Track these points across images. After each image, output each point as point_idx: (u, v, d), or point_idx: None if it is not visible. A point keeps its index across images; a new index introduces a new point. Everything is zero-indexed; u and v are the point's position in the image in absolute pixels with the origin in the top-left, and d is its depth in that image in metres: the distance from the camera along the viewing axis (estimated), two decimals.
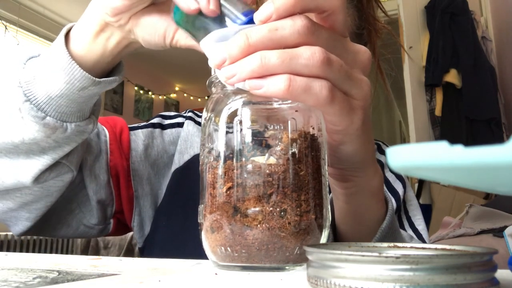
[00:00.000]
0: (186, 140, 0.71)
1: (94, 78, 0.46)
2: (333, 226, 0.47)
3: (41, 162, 0.50)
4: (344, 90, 0.33)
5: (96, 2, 0.45)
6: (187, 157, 0.69)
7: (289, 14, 0.32)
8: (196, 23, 0.39)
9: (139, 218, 0.68)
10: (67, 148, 0.51)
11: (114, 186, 0.64)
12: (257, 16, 0.32)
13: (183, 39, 0.45)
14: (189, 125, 0.73)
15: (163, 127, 0.72)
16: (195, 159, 0.68)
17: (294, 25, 0.31)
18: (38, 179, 0.51)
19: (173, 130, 0.72)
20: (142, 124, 0.71)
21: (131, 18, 0.44)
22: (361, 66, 0.36)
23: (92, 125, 0.52)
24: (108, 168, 0.64)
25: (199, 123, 0.74)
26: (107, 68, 0.50)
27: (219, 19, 0.37)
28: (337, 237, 0.46)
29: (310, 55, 0.30)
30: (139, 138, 0.68)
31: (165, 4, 0.44)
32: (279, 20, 0.31)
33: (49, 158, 0.50)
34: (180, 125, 0.73)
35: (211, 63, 0.33)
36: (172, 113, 0.77)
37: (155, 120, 0.73)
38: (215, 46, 0.34)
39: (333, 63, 0.31)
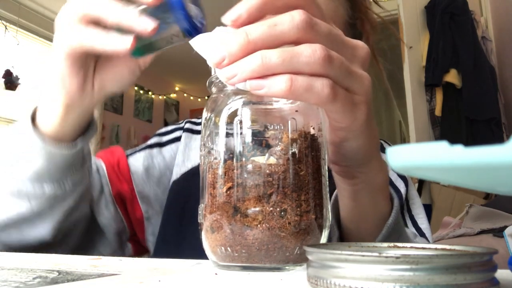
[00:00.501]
0: (183, 153, 0.72)
1: (72, 145, 0.49)
2: (339, 224, 0.47)
3: (54, 218, 0.53)
4: (346, 87, 0.32)
5: (53, 88, 0.46)
6: (184, 169, 0.70)
7: (261, 13, 0.32)
8: (150, 44, 0.41)
9: (153, 238, 0.69)
10: (71, 200, 0.53)
11: (122, 212, 0.66)
12: (227, 17, 0.32)
13: (147, 59, 0.46)
14: (186, 138, 0.74)
15: (161, 145, 0.73)
16: (192, 171, 0.69)
17: (293, 20, 0.31)
18: (57, 231, 0.54)
19: (173, 145, 0.73)
20: (139, 147, 0.73)
21: (94, 83, 0.46)
22: (360, 61, 0.35)
23: (87, 178, 0.55)
24: (113, 199, 0.65)
25: (197, 132, 0.75)
26: (86, 125, 0.51)
27: (164, 22, 0.38)
28: (343, 236, 0.46)
29: (311, 53, 0.30)
30: (137, 161, 0.69)
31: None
32: (278, 16, 0.31)
33: (59, 213, 0.53)
34: (178, 139, 0.74)
35: (210, 61, 0.32)
36: (170, 128, 0.77)
37: (152, 141, 0.74)
38: (211, 42, 0.35)
39: (334, 60, 0.31)
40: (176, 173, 0.70)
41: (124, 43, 0.39)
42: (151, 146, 0.72)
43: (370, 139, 0.37)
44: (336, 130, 0.35)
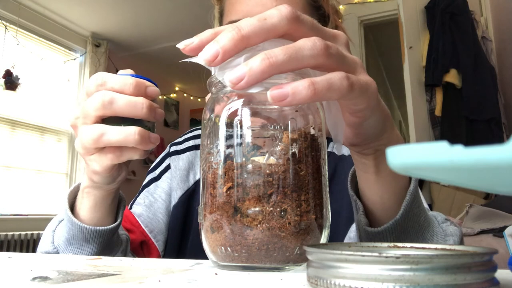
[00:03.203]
0: (175, 177, 0.74)
1: (112, 225, 0.53)
2: (360, 199, 0.47)
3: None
4: (347, 70, 0.33)
5: (83, 185, 0.50)
6: (179, 192, 0.73)
7: (237, 49, 0.31)
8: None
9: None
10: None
11: (145, 254, 0.68)
12: (202, 56, 0.31)
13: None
14: (172, 162, 0.76)
15: (156, 178, 0.76)
16: (188, 192, 0.72)
17: (281, 13, 0.31)
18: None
19: (167, 173, 0.76)
20: (138, 193, 0.75)
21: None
22: (344, 47, 0.36)
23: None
24: (128, 253, 0.67)
25: (181, 151, 0.77)
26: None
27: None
28: (367, 208, 0.46)
29: (311, 45, 0.30)
30: (139, 205, 0.72)
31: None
32: (266, 11, 0.32)
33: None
34: (168, 166, 0.76)
35: (201, 58, 0.31)
36: (158, 159, 0.80)
37: (147, 180, 0.77)
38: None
39: (331, 48, 0.31)
40: (174, 198, 0.72)
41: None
42: (147, 185, 0.75)
43: (384, 110, 0.38)
44: (355, 112, 0.36)
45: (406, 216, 0.43)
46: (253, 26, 0.31)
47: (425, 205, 0.63)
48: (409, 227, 0.44)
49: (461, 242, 0.50)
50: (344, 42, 0.37)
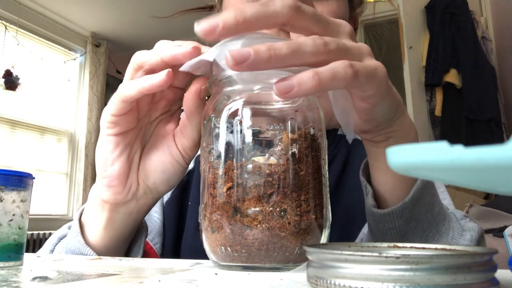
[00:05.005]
0: None
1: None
2: (370, 184, 0.47)
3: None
4: (352, 60, 0.33)
5: (97, 187, 0.45)
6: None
7: (238, 29, 0.31)
8: None
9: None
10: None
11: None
12: (200, 26, 0.31)
13: (189, 145, 0.45)
14: None
15: None
16: (179, 187, 0.69)
17: (283, 2, 0.32)
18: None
19: None
20: None
21: (139, 177, 0.45)
22: (348, 36, 0.36)
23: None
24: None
25: None
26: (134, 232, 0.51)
27: None
28: (377, 194, 0.46)
29: (311, 43, 0.31)
30: None
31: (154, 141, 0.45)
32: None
33: None
34: None
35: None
36: None
37: None
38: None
39: (330, 44, 0.32)
40: (167, 193, 0.68)
41: (161, 75, 0.38)
42: None
43: (395, 95, 0.38)
44: (365, 98, 0.35)
45: (416, 202, 0.42)
46: (256, 10, 0.31)
47: (449, 199, 0.61)
48: (420, 215, 0.43)
49: (480, 238, 0.48)
50: (347, 31, 0.36)
